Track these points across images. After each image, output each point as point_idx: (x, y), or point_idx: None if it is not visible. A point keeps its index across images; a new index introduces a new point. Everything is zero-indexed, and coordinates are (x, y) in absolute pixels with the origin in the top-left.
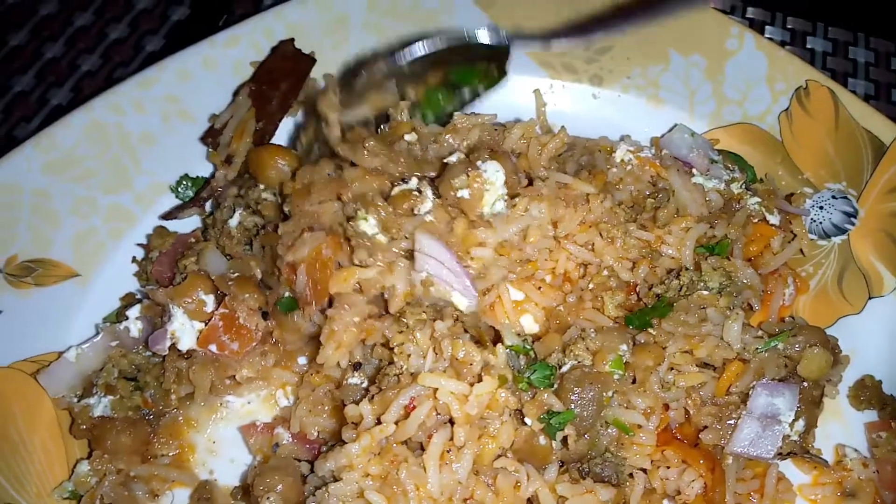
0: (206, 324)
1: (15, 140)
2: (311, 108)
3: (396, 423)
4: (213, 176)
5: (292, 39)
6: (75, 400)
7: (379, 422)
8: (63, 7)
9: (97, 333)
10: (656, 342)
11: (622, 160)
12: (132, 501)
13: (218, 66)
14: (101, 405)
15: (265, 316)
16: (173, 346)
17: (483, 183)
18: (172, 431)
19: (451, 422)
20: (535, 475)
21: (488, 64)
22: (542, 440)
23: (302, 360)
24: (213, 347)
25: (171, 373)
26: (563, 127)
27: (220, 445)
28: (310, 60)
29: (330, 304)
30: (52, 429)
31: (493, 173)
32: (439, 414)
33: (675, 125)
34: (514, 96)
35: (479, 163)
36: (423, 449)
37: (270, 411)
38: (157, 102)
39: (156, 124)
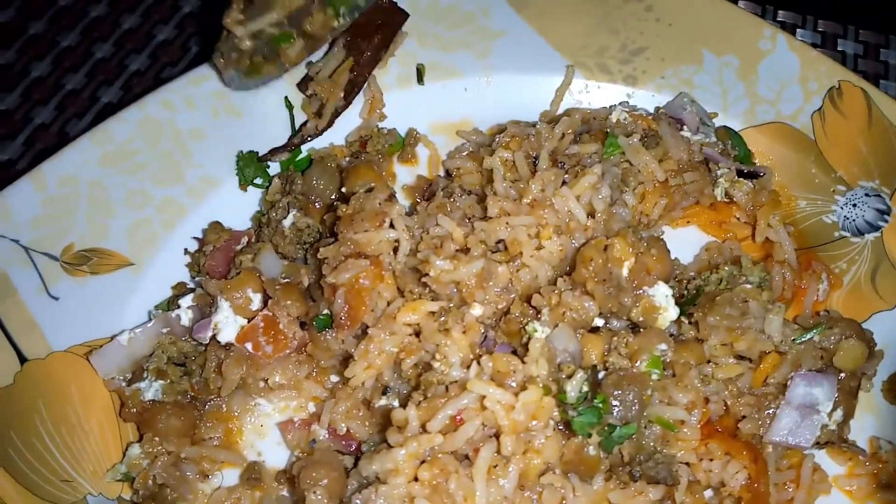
0: (249, 321)
1: (67, 136)
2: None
3: (442, 432)
4: (304, 124)
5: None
6: (124, 384)
7: (424, 428)
8: (111, 10)
9: (150, 319)
10: (698, 338)
11: (618, 120)
12: (183, 481)
13: None
14: (152, 389)
15: (303, 326)
16: (214, 337)
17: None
18: (218, 416)
19: (496, 435)
20: (581, 488)
21: None
22: (592, 451)
23: (335, 378)
24: (248, 346)
25: (212, 362)
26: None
27: (268, 428)
28: (403, 14)
29: (363, 331)
30: (108, 411)
31: (663, 297)
32: (486, 426)
33: (679, 93)
34: (550, 97)
35: (645, 287)
36: (467, 458)
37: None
38: (205, 99)
39: (205, 120)
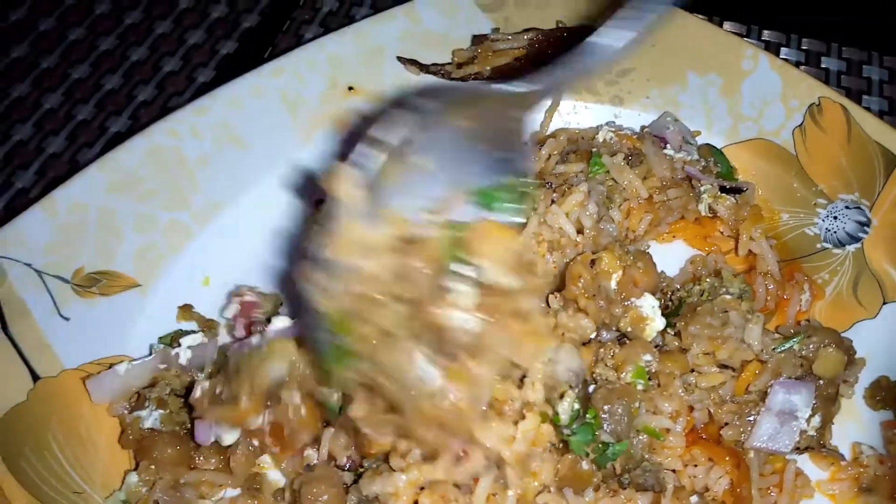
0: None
1: (78, 164)
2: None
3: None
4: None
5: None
6: (126, 411)
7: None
8: (120, 42)
9: (150, 353)
10: (682, 348)
11: (604, 139)
12: (185, 502)
13: (265, 94)
14: (151, 418)
15: None
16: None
17: (644, 321)
18: (216, 449)
19: (497, 464)
20: (575, 502)
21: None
22: (585, 465)
23: None
24: (255, 442)
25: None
26: (559, 129)
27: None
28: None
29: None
30: (116, 427)
31: (650, 308)
32: (487, 458)
33: (663, 112)
34: (540, 118)
35: (633, 299)
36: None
37: None
38: (210, 128)
39: (209, 148)
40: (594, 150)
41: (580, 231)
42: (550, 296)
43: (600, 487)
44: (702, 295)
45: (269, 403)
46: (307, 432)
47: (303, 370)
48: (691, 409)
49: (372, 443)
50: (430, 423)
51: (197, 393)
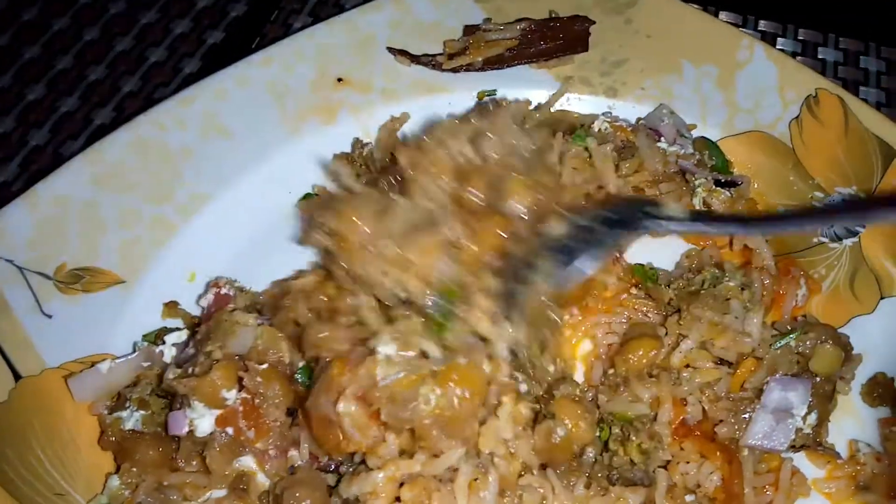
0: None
1: (62, 157)
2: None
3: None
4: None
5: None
6: (106, 411)
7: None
8: (105, 33)
9: (134, 351)
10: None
11: (599, 129)
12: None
13: (252, 84)
14: (132, 419)
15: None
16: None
17: None
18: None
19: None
20: (560, 489)
21: None
22: (560, 432)
23: None
24: (229, 430)
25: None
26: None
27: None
28: (585, 47)
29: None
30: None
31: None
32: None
33: (659, 105)
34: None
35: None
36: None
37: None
38: (196, 119)
39: (195, 140)
40: (581, 125)
41: None
42: None
43: (591, 485)
44: (703, 284)
45: (240, 376)
46: (280, 407)
47: (266, 341)
48: (684, 402)
49: (349, 442)
50: (431, 426)
51: (170, 375)
